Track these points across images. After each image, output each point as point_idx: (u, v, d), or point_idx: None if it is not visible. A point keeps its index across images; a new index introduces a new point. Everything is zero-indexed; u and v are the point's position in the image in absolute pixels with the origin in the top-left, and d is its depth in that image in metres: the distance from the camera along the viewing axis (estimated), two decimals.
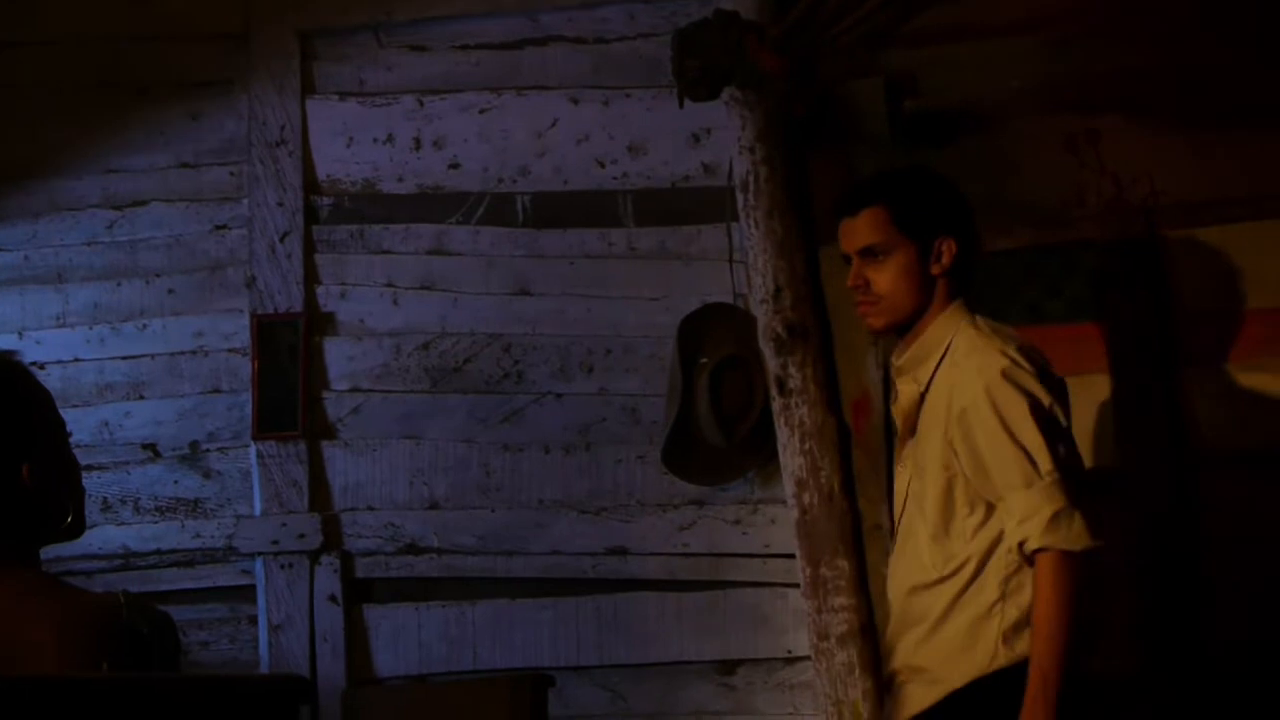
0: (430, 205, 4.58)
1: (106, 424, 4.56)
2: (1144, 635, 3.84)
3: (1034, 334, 3.94)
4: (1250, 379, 3.85)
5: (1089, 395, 3.90)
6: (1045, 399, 3.11)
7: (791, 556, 4.12)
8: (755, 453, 4.32)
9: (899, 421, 3.37)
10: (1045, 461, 3.06)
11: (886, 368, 4.03)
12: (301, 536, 4.41)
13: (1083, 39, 4.05)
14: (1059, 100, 4.06)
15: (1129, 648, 3.83)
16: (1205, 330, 3.91)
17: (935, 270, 3.26)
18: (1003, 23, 4.08)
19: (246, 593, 4.46)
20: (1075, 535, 3.03)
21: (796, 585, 4.07)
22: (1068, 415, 3.16)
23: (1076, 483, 3.09)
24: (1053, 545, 3.02)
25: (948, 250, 3.26)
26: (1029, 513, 3.05)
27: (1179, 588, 3.84)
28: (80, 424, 4.45)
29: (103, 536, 4.46)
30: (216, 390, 4.56)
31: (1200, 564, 3.84)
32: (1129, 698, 3.80)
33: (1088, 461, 3.84)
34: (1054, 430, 3.10)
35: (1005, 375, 3.11)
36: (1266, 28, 3.95)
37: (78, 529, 2.45)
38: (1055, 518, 3.03)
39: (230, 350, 4.55)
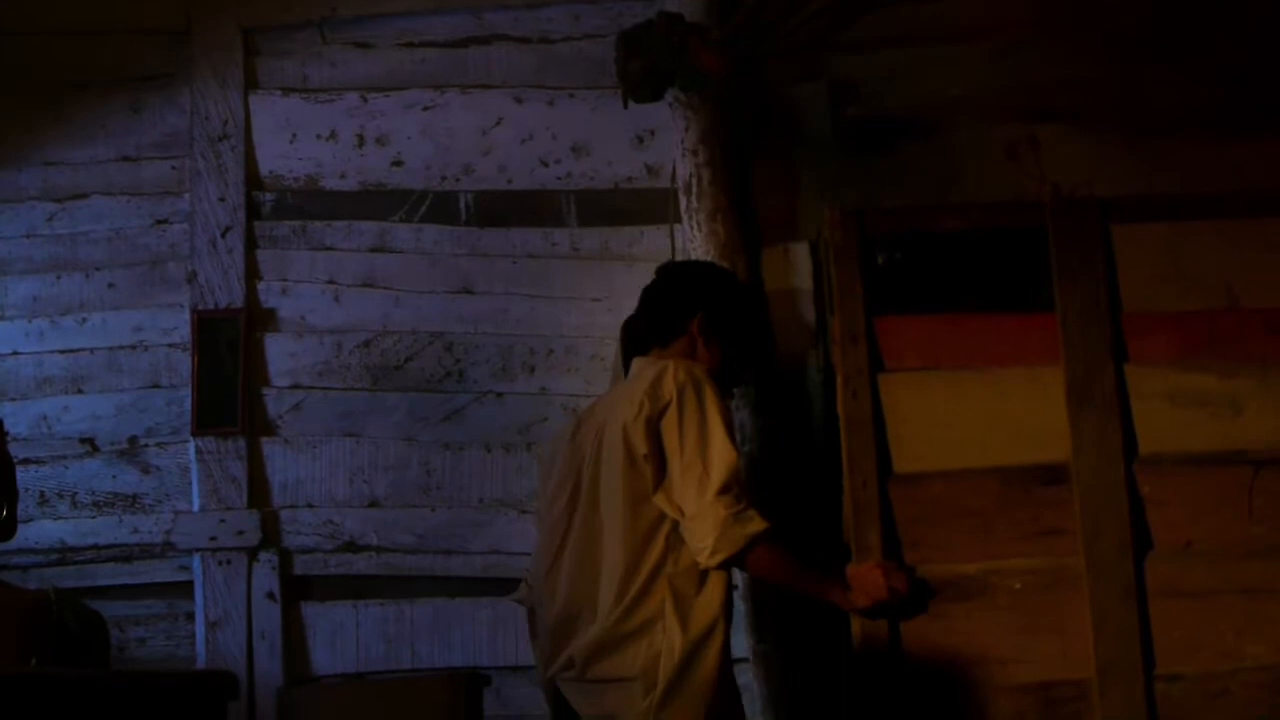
0: (373, 202, 4.57)
1: (45, 418, 4.53)
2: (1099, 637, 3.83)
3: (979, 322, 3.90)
4: (1186, 380, 3.85)
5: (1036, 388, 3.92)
6: None
7: None
8: None
9: None
10: None
11: (827, 370, 4.06)
12: (240, 533, 4.40)
13: (1023, 48, 4.08)
14: (1000, 108, 4.08)
15: (1084, 649, 3.82)
16: (1144, 331, 3.92)
17: None
18: (945, 31, 4.11)
19: (184, 589, 4.44)
20: None
21: (737, 587, 4.08)
22: None
23: None
24: None
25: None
26: None
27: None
28: (18, 418, 4.44)
29: (39, 531, 4.43)
30: (156, 385, 4.54)
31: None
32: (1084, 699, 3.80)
33: (1036, 455, 3.80)
34: None
35: None
36: (1201, 37, 4.00)
37: (10, 528, 2.44)
38: None
39: (170, 345, 4.53)
